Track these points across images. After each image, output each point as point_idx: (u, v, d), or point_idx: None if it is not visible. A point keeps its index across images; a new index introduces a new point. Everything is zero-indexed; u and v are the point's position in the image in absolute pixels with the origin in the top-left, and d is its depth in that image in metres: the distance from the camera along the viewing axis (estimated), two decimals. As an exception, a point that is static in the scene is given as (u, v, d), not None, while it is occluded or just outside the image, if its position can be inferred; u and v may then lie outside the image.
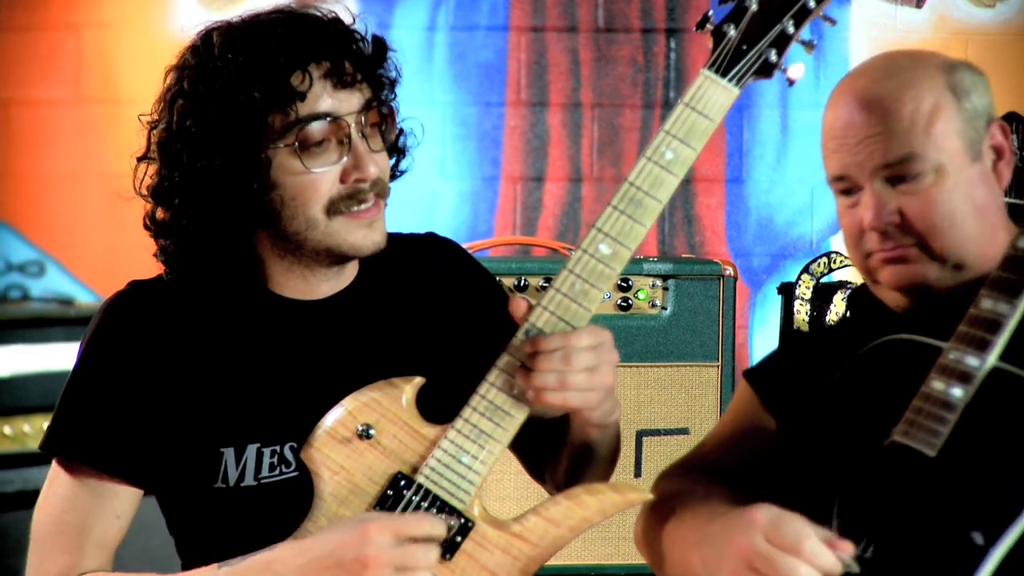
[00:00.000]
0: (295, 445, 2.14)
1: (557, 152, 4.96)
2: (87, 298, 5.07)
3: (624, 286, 3.68)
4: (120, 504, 2.16)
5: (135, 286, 2.24)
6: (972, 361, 1.68)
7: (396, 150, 2.28)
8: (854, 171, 1.97)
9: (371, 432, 2.03)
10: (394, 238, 2.24)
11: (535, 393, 1.95)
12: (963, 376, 1.68)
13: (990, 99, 2.01)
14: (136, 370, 2.15)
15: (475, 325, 2.29)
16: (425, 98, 4.92)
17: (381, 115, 2.19)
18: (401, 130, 2.28)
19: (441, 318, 2.30)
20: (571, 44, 4.94)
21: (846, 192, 2.01)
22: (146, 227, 2.21)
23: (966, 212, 1.94)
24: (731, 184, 4.91)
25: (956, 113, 1.96)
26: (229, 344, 2.19)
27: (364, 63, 2.16)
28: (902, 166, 1.94)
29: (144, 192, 2.20)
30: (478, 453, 1.99)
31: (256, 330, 2.21)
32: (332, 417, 2.04)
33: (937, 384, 1.70)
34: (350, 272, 2.27)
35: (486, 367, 2.08)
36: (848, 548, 1.69)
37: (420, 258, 2.34)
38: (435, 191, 4.92)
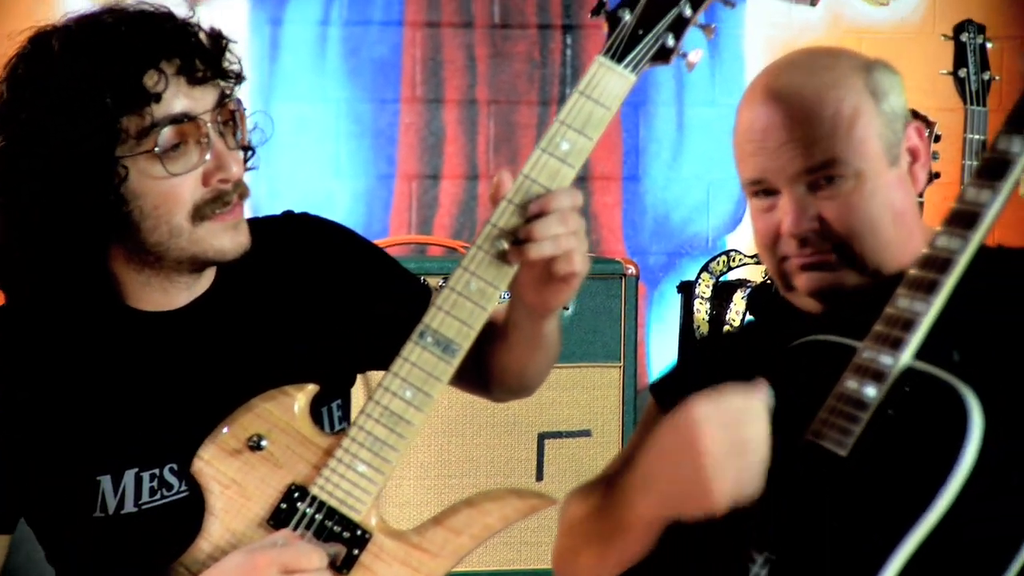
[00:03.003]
0: (175, 466, 2.05)
1: (453, 149, 4.90)
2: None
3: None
4: None
5: None
6: (886, 360, 1.66)
7: (245, 147, 2.14)
8: (772, 175, 1.92)
9: (263, 443, 1.95)
10: (250, 224, 2.10)
11: (542, 264, 1.87)
12: (876, 375, 1.66)
13: (905, 99, 1.98)
14: None
15: (352, 294, 2.19)
16: (318, 94, 4.85)
17: (232, 112, 2.06)
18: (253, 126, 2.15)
19: (313, 298, 2.17)
20: (467, 40, 4.89)
21: (762, 195, 1.96)
22: None
23: (885, 217, 1.90)
24: (627, 182, 4.90)
25: (876, 116, 1.91)
26: (90, 368, 2.05)
27: (211, 57, 2.02)
28: (823, 171, 1.89)
29: None
30: (374, 462, 1.92)
31: (116, 349, 2.07)
32: (222, 429, 1.95)
33: (851, 383, 1.68)
34: (208, 275, 2.14)
35: (372, 333, 2.02)
36: (764, 385, 1.71)
37: (280, 241, 2.19)
38: (329, 190, 4.85)
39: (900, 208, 1.92)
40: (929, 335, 1.66)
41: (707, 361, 2.14)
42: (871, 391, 1.66)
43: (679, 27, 1.88)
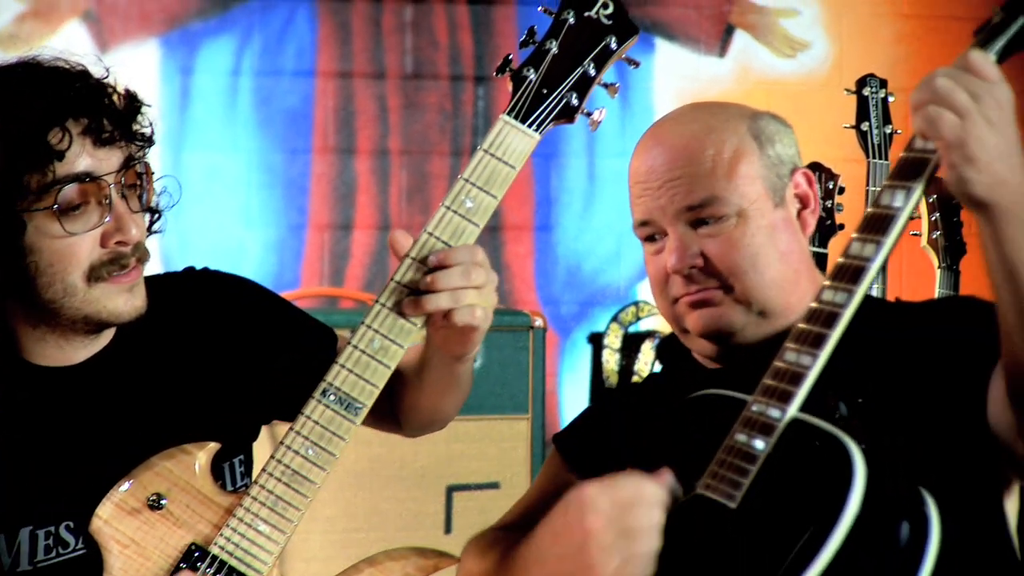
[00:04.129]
0: (71, 524, 2.02)
1: (365, 199, 4.90)
2: None
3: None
4: None
5: None
6: (774, 413, 1.68)
7: (151, 210, 2.13)
8: (657, 215, 1.96)
9: (162, 502, 1.93)
10: (151, 281, 2.10)
11: (439, 317, 1.87)
12: (764, 428, 1.68)
13: (795, 149, 2.02)
14: None
15: (255, 347, 2.17)
16: (230, 144, 4.83)
17: (139, 174, 2.05)
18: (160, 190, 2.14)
19: (214, 353, 2.16)
20: (379, 91, 4.90)
21: (651, 239, 2.00)
22: None
23: (769, 255, 1.94)
24: (539, 232, 4.92)
25: (758, 159, 1.96)
26: None
27: (121, 119, 2.01)
28: (704, 209, 1.93)
29: None
30: (276, 521, 1.90)
31: (12, 404, 2.05)
32: (121, 487, 1.93)
33: (740, 436, 1.69)
34: (107, 332, 2.12)
35: (278, 385, 2.02)
36: (667, 476, 1.71)
37: (181, 298, 2.18)
38: (240, 240, 4.82)
39: (785, 249, 1.96)
40: (815, 387, 1.67)
41: (609, 413, 2.14)
42: (759, 444, 1.67)
43: (583, 87, 1.91)
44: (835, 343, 1.66)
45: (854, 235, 1.69)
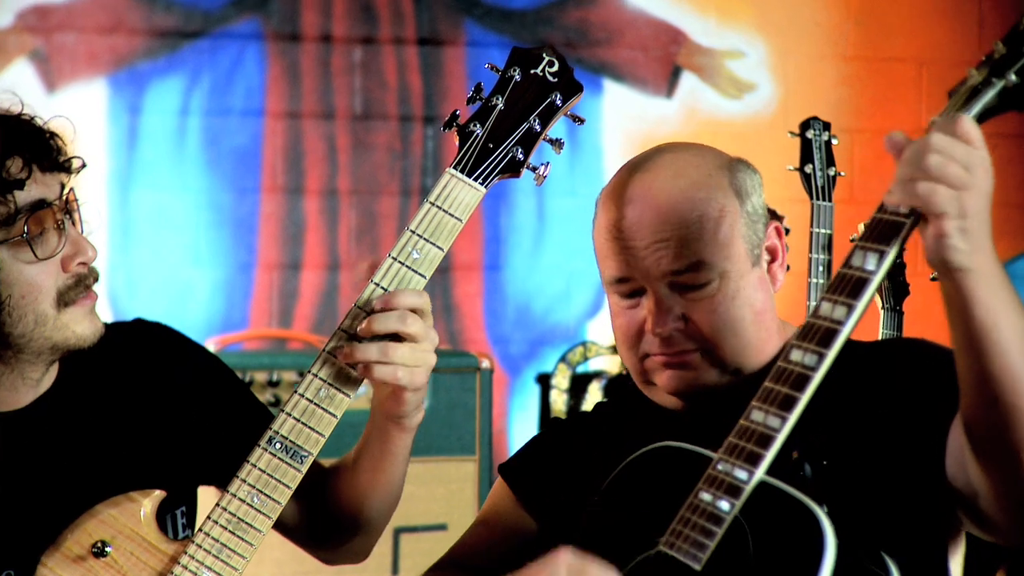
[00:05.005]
0: (12, 572, 2.01)
1: (314, 239, 4.90)
2: None
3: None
4: None
5: None
6: (741, 474, 1.64)
7: None
8: (638, 275, 1.91)
9: (107, 550, 1.92)
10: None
11: (362, 368, 1.87)
12: (731, 489, 1.64)
13: (764, 197, 1.98)
14: None
15: (193, 409, 2.16)
16: (178, 183, 4.82)
17: (73, 200, 2.06)
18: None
19: (157, 405, 2.14)
20: (328, 131, 4.91)
21: (625, 294, 1.95)
22: None
23: (747, 318, 1.91)
24: (489, 271, 4.93)
25: (740, 217, 1.92)
26: None
27: (57, 147, 2.03)
28: (689, 274, 1.89)
29: None
30: (221, 569, 1.90)
31: None
32: (65, 535, 1.92)
33: (705, 496, 1.66)
34: (52, 372, 2.11)
35: (210, 451, 2.01)
36: None
37: (128, 347, 2.17)
38: (188, 279, 4.80)
39: (760, 308, 1.93)
40: (780, 447, 1.65)
41: (558, 444, 2.12)
42: (725, 505, 1.64)
43: (529, 142, 1.93)
44: (804, 406, 1.64)
45: (825, 296, 1.65)
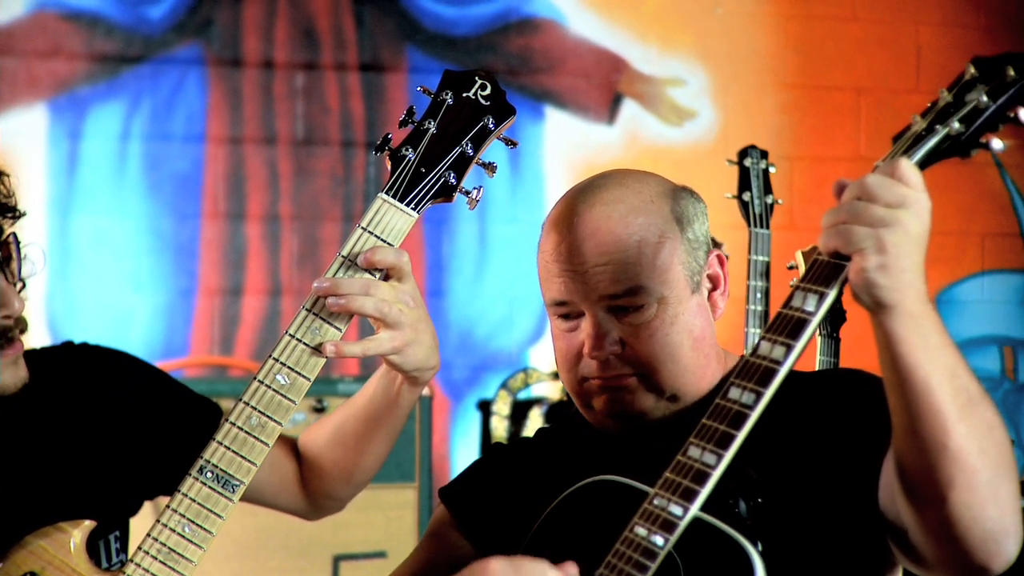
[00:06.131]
0: None
1: (256, 265, 4.88)
2: None
3: (319, 407, 3.62)
4: None
5: None
6: (675, 510, 1.64)
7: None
8: (577, 298, 1.92)
9: (36, 581, 1.90)
10: (28, 355, 2.09)
11: (344, 301, 1.86)
12: (666, 524, 1.64)
13: (707, 225, 1.99)
14: None
15: (133, 421, 2.15)
16: (118, 209, 4.79)
17: (9, 247, 2.04)
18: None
19: (91, 427, 2.13)
20: (270, 156, 4.90)
21: (565, 316, 1.96)
22: None
23: (685, 344, 1.91)
24: (431, 297, 4.93)
25: (680, 244, 1.93)
26: None
27: None
28: (626, 298, 1.90)
29: None
30: (153, 599, 1.89)
31: None
32: (-7, 566, 1.90)
33: (640, 530, 1.66)
34: None
35: (157, 459, 2.01)
36: (572, 569, 1.68)
37: (58, 372, 2.16)
38: (128, 305, 4.77)
39: (699, 335, 1.93)
40: (716, 483, 1.66)
41: (497, 469, 2.12)
42: (660, 540, 1.65)
43: (461, 166, 1.92)
44: (740, 443, 1.64)
45: (764, 335, 1.66)
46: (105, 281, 4.76)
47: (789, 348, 1.63)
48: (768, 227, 3.43)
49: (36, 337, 2.18)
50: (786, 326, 1.64)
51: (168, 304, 4.82)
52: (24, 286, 2.10)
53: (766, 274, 3.38)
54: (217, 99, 4.88)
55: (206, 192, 4.86)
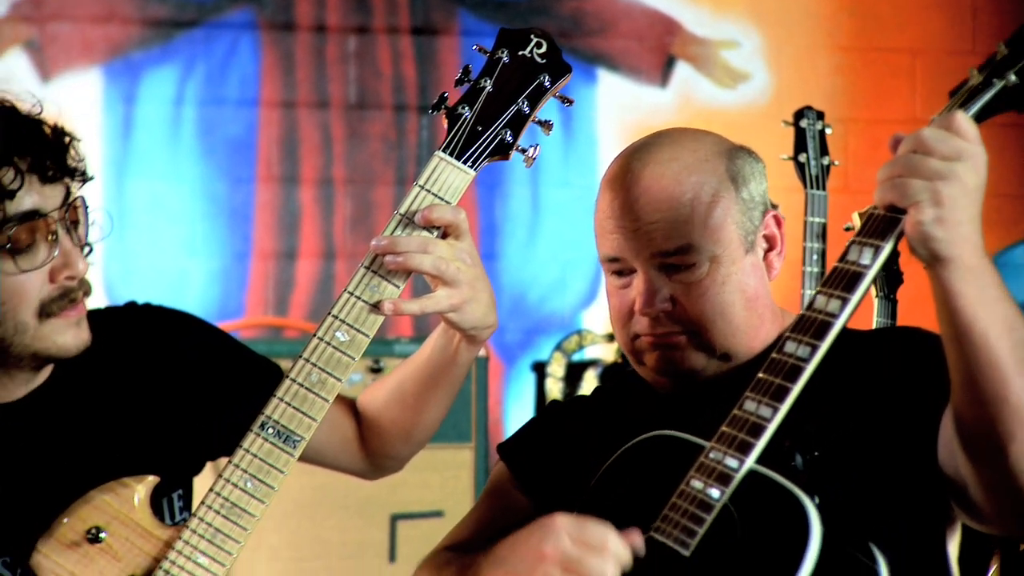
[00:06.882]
0: (8, 560, 2.02)
1: (309, 228, 4.91)
2: None
3: (375, 367, 3.63)
4: None
5: None
6: (731, 463, 1.66)
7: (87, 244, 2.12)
8: (629, 255, 1.93)
9: (101, 535, 1.92)
10: (92, 315, 2.09)
11: (402, 259, 1.87)
12: (721, 477, 1.66)
13: (766, 186, 1.99)
14: None
15: (197, 382, 2.17)
16: (173, 173, 4.82)
17: (77, 210, 2.04)
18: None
19: (155, 388, 2.15)
20: (323, 120, 4.91)
21: (618, 273, 1.97)
22: None
23: (736, 303, 1.91)
24: (484, 261, 4.91)
25: (734, 203, 1.93)
26: None
27: (61, 156, 2.02)
28: (678, 256, 1.90)
29: None
30: (215, 553, 1.91)
31: None
32: (60, 521, 1.93)
33: (695, 483, 1.68)
34: (47, 367, 2.11)
35: (220, 420, 2.02)
36: (637, 537, 1.69)
37: (121, 332, 2.17)
38: (184, 269, 4.81)
39: (752, 294, 1.93)
40: (772, 436, 1.67)
41: (555, 427, 2.13)
42: (715, 493, 1.66)
43: (518, 124, 1.92)
44: (796, 396, 1.65)
45: (820, 289, 1.67)
46: (160, 245, 4.80)
47: (845, 301, 1.64)
48: (824, 189, 3.41)
49: (93, 302, 2.21)
50: (841, 280, 1.65)
51: (223, 268, 4.85)
52: (91, 250, 2.11)
53: (822, 236, 3.36)
54: (270, 63, 4.89)
55: (260, 156, 4.88)
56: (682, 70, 5.12)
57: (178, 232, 4.82)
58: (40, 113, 2.02)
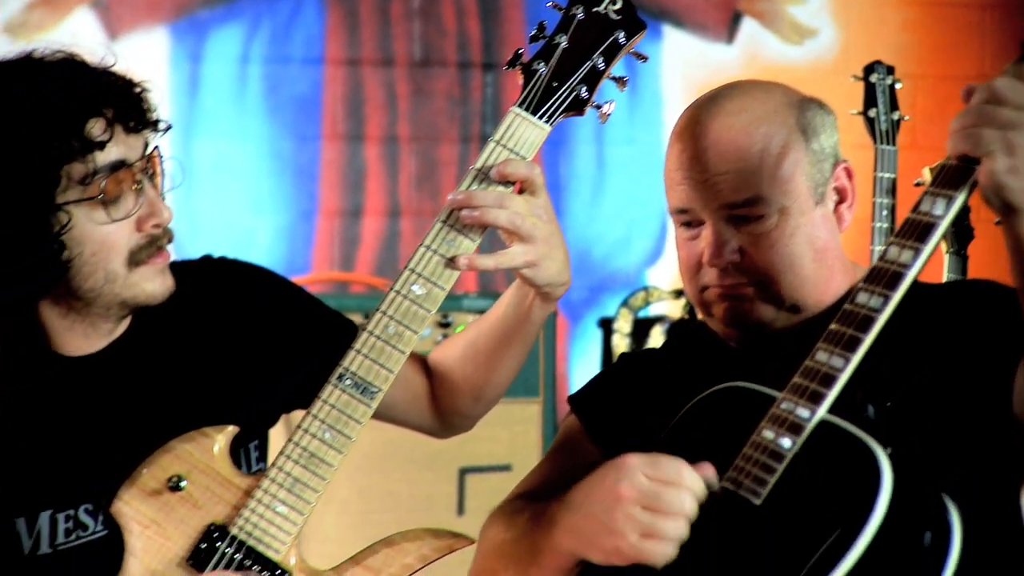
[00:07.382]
0: (90, 507, 2.05)
1: (375, 186, 4.93)
2: None
3: (444, 322, 3.65)
4: None
5: None
6: (803, 413, 1.66)
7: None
8: (697, 206, 1.93)
9: (182, 484, 1.95)
10: (171, 268, 2.11)
11: (479, 213, 1.89)
12: (793, 427, 1.66)
13: (837, 138, 1.98)
14: None
15: (272, 335, 2.19)
16: (239, 131, 4.86)
17: (156, 160, 2.07)
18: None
19: (231, 340, 2.18)
20: (387, 78, 4.92)
21: (687, 224, 1.97)
22: None
23: (806, 255, 1.91)
24: (549, 218, 4.93)
25: (804, 154, 1.92)
26: (7, 411, 2.05)
27: (141, 107, 2.04)
28: (746, 208, 1.90)
29: None
30: (293, 502, 1.93)
31: (32, 392, 2.07)
32: (141, 470, 1.96)
33: (767, 433, 1.68)
34: (125, 321, 2.14)
35: (295, 373, 2.04)
36: (710, 470, 1.71)
37: (198, 285, 2.19)
38: (250, 226, 4.85)
39: (822, 246, 1.93)
40: (844, 387, 1.67)
41: (626, 379, 2.14)
42: (787, 443, 1.66)
43: (593, 80, 1.92)
44: (868, 347, 1.65)
45: (892, 239, 1.66)
46: (227, 203, 4.84)
47: (917, 252, 1.63)
48: (894, 144, 3.39)
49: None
50: (914, 230, 1.64)
51: (289, 225, 4.88)
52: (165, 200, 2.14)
53: (892, 191, 3.34)
54: (335, 21, 4.90)
55: (325, 114, 4.90)
56: (748, 26, 5.08)
57: (245, 190, 4.85)
58: (113, 65, 2.05)
